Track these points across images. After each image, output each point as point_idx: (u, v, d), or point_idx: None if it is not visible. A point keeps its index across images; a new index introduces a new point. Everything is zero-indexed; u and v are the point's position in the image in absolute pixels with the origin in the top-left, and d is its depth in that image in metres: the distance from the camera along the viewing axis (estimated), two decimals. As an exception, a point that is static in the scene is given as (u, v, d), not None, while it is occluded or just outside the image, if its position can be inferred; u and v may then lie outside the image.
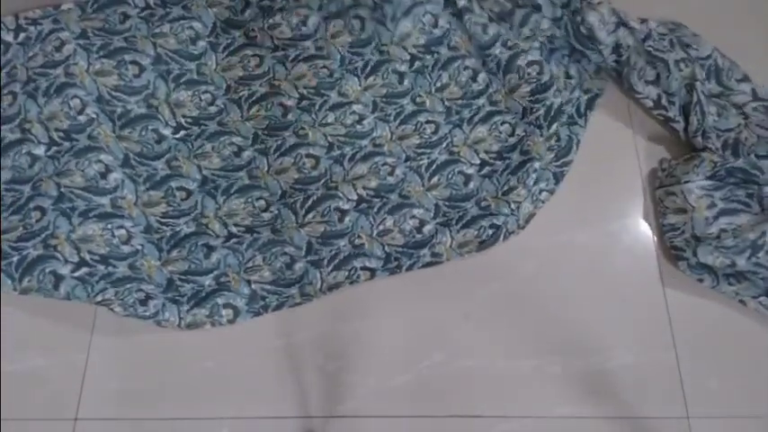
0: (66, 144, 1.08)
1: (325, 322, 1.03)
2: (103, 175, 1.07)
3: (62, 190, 1.05)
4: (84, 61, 1.12)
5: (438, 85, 1.17)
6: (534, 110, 1.14)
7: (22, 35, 1.12)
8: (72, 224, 1.03)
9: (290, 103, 1.14)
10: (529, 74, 1.15)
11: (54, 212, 1.03)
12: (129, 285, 1.01)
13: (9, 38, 1.12)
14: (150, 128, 1.11)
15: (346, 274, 1.04)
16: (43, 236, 1.02)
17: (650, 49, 1.13)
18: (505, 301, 1.04)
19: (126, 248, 1.04)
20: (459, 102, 1.16)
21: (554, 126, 1.12)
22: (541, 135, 1.12)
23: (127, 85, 1.13)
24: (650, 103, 1.14)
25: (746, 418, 0.97)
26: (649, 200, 1.12)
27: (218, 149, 1.12)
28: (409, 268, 1.05)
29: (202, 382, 0.99)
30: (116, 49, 1.14)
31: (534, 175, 1.09)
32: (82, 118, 1.09)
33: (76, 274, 1.01)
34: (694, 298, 1.05)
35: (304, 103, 1.14)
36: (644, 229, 1.10)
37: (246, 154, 1.12)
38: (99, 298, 0.99)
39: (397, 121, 1.14)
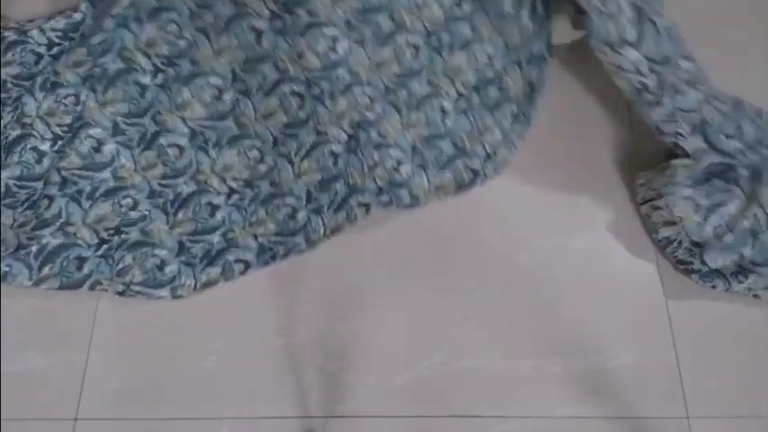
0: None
1: (325, 322, 1.03)
2: (97, 149, 1.07)
3: (63, 174, 1.05)
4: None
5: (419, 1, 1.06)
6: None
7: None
8: (83, 208, 1.05)
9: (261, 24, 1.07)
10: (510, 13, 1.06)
11: (63, 199, 1.04)
12: (144, 249, 1.04)
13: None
14: (131, 79, 1.09)
15: (345, 214, 1.05)
16: (58, 224, 1.03)
17: None
18: (505, 301, 1.04)
19: (134, 214, 1.05)
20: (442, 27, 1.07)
21: (529, 67, 1.09)
22: (520, 73, 1.09)
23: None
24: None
25: (746, 418, 0.97)
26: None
27: (196, 94, 1.09)
28: (389, 204, 1.05)
29: (202, 382, 0.99)
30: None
31: (510, 119, 1.08)
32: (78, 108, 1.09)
33: (99, 253, 1.03)
34: (694, 298, 1.05)
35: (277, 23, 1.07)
36: (643, 229, 1.10)
37: (228, 96, 1.10)
38: (120, 266, 1.02)
39: (374, 45, 1.06)
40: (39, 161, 1.07)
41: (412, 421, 0.96)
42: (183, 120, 1.09)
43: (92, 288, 1.02)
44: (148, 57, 1.09)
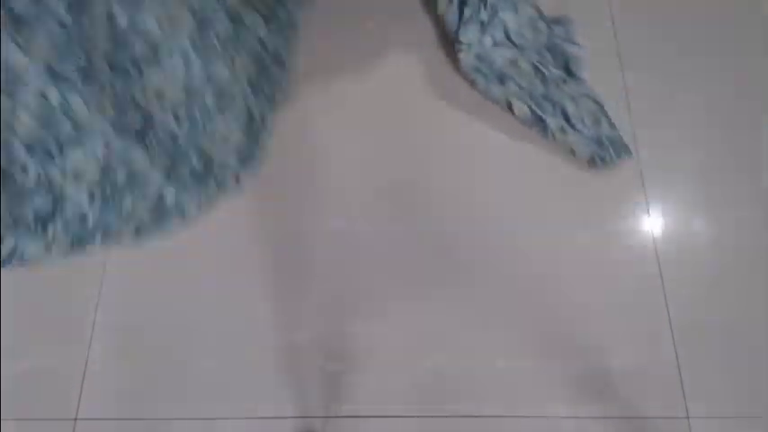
0: None
1: (325, 322, 1.03)
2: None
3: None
4: None
5: None
6: None
7: None
8: (56, 163, 0.94)
9: None
10: None
11: (35, 164, 0.93)
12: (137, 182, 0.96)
13: None
14: None
15: None
16: (43, 190, 0.94)
17: None
18: (505, 300, 1.04)
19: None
20: None
21: None
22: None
23: None
24: None
25: (746, 418, 0.97)
26: (649, 199, 1.12)
27: None
28: None
29: (202, 382, 0.99)
30: None
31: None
32: None
33: (96, 205, 0.96)
34: (695, 298, 1.05)
35: None
36: (644, 229, 1.10)
37: None
38: (127, 209, 0.95)
39: None
40: None
41: (412, 421, 0.96)
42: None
43: (104, 241, 0.95)
44: None
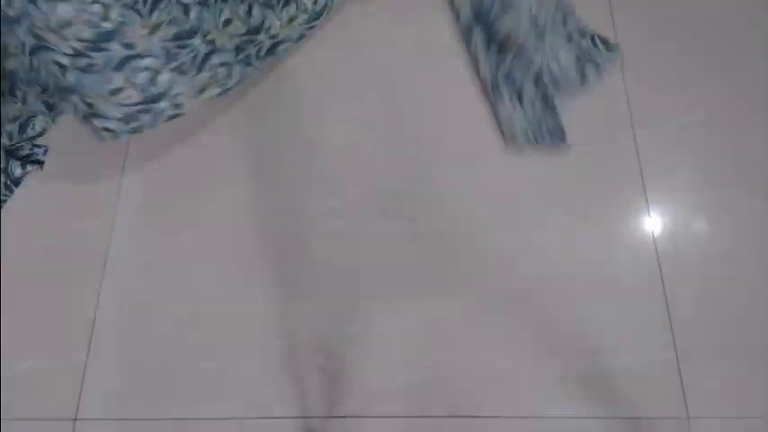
0: None
1: (325, 322, 1.03)
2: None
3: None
4: None
5: None
6: None
7: None
8: (40, 8, 0.93)
9: None
10: None
11: None
12: (132, 63, 0.97)
13: None
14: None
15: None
16: (25, 25, 0.94)
17: None
18: (505, 300, 1.04)
19: (107, 25, 0.96)
20: None
21: None
22: None
23: None
24: None
25: (746, 418, 0.97)
26: (649, 199, 1.12)
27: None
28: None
29: (202, 382, 0.99)
30: None
31: None
32: None
33: (78, 65, 0.96)
34: (695, 297, 1.05)
35: None
36: (644, 229, 1.10)
37: None
38: (111, 86, 0.97)
39: None
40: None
41: (412, 421, 0.96)
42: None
43: (82, 98, 0.98)
44: None
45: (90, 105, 0.97)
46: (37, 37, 0.94)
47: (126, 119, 0.99)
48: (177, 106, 1.01)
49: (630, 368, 1.00)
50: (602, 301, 1.05)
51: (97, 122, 0.98)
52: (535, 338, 1.02)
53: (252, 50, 1.08)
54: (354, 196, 1.11)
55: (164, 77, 0.99)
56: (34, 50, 0.96)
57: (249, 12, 1.06)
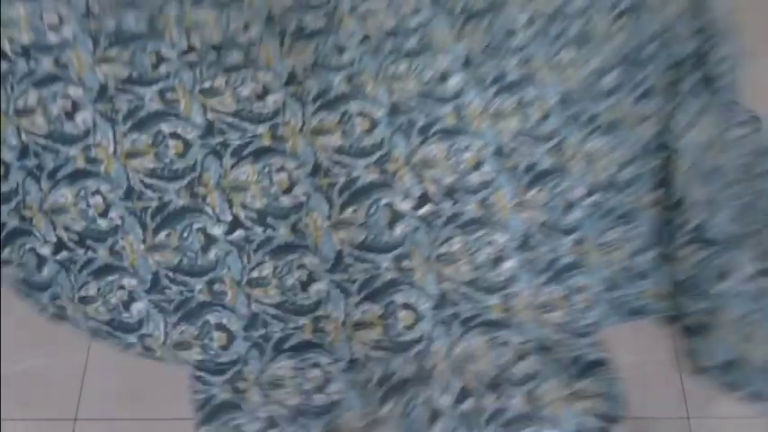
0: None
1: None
2: (69, 115, 0.85)
3: (23, 138, 0.85)
4: None
5: None
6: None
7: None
8: (42, 188, 0.85)
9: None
10: None
11: (20, 171, 0.85)
12: (110, 278, 0.84)
13: None
14: (149, 49, 0.86)
15: (381, 310, 0.77)
16: (14, 203, 0.85)
17: None
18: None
19: (103, 222, 0.84)
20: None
21: None
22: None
23: None
24: None
25: (746, 418, 0.97)
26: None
27: (234, 84, 0.85)
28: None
29: (202, 382, 0.99)
30: None
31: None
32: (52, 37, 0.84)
33: (58, 257, 0.85)
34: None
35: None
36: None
37: (272, 99, 0.85)
38: (83, 293, 0.85)
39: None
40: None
41: (412, 421, 0.96)
42: (204, 108, 0.85)
43: (53, 299, 0.87)
44: (187, 34, 0.87)
45: (60, 308, 0.86)
46: (22, 219, 0.84)
47: (95, 333, 0.86)
48: (148, 349, 0.85)
49: (630, 368, 1.00)
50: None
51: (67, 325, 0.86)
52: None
53: (275, 332, 0.83)
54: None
55: (140, 306, 0.84)
56: (11, 236, 0.84)
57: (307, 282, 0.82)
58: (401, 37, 0.81)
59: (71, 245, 0.84)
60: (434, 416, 0.71)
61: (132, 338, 0.84)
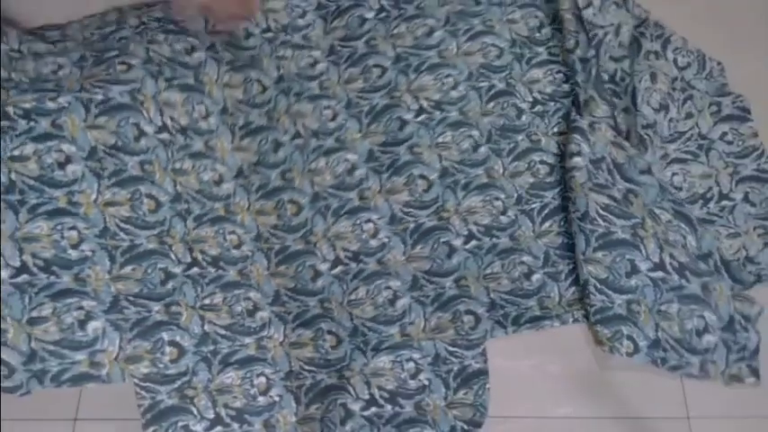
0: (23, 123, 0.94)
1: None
2: (61, 165, 0.94)
3: (12, 177, 0.91)
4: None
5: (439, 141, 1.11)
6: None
7: None
8: (18, 220, 0.90)
9: (284, 138, 1.10)
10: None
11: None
12: (69, 301, 0.89)
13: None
14: (131, 120, 1.00)
15: (311, 334, 1.00)
16: None
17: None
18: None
19: (74, 253, 0.92)
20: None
21: None
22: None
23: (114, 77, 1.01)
24: None
25: (746, 418, 0.97)
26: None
27: (198, 170, 1.04)
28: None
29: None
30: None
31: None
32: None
33: (15, 280, 0.88)
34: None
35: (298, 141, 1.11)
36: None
37: (226, 186, 1.06)
38: (35, 314, 0.88)
39: (390, 173, 1.09)
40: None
41: (412, 421, 0.96)
42: (175, 182, 1.02)
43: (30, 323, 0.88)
44: (162, 112, 1.04)
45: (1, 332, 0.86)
46: None
47: (30, 358, 0.87)
48: (95, 365, 0.88)
49: (630, 368, 1.00)
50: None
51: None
52: (535, 338, 1.02)
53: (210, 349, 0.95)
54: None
55: (96, 324, 0.89)
56: None
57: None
58: (321, 138, 1.09)
59: (35, 270, 0.89)
60: (346, 417, 0.92)
61: (80, 356, 0.89)
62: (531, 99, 1.16)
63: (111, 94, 0.99)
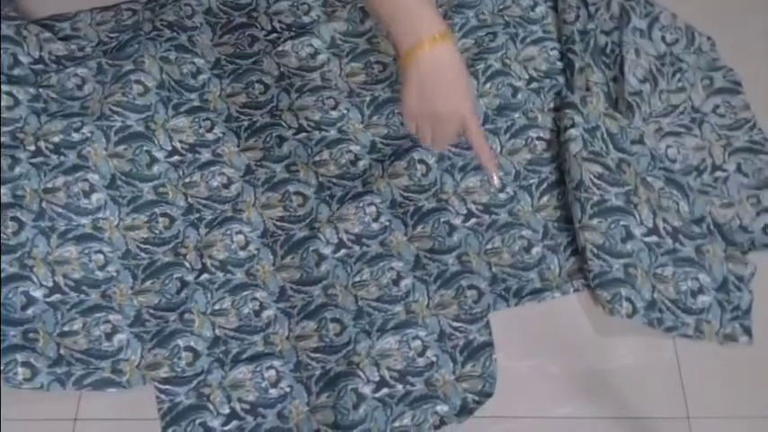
0: (54, 158, 1.05)
1: (325, 322, 1.03)
2: (86, 194, 1.04)
3: (43, 205, 1.02)
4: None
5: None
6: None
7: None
8: (50, 245, 1.00)
9: (288, 134, 1.13)
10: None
11: (33, 230, 1.01)
12: (97, 315, 0.97)
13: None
14: (144, 148, 1.09)
15: (315, 325, 0.99)
16: (19, 253, 0.99)
17: None
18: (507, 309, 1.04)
19: (100, 273, 1.00)
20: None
21: None
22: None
23: (130, 101, 1.10)
24: None
25: (746, 418, 0.97)
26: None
27: (206, 179, 1.09)
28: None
29: (202, 382, 0.99)
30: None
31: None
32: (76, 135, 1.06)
33: (50, 299, 0.98)
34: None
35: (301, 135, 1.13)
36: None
37: (234, 187, 1.09)
38: (66, 328, 0.96)
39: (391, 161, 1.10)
40: (11, 168, 1.02)
41: (412, 421, 0.96)
42: (186, 195, 1.08)
43: (25, 337, 0.95)
44: (170, 139, 1.11)
45: (31, 341, 0.94)
46: (23, 266, 0.98)
47: (57, 362, 0.94)
48: (117, 372, 0.95)
49: (630, 368, 1.00)
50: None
51: (19, 356, 0.92)
52: (535, 338, 1.02)
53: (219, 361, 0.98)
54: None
55: (121, 337, 0.97)
56: (6, 281, 0.96)
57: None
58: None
59: (66, 289, 0.99)
60: (359, 401, 0.93)
61: (104, 364, 0.95)
62: (526, 77, 1.18)
63: (129, 122, 1.09)
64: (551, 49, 1.20)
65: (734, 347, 1.01)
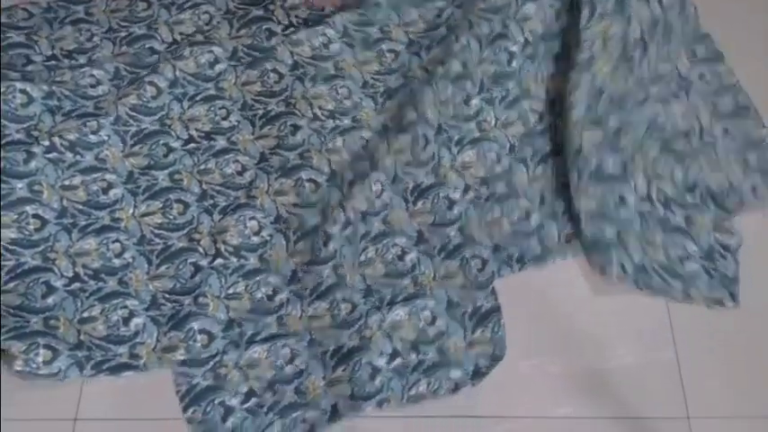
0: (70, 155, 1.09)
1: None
2: (105, 191, 1.08)
3: (64, 203, 1.06)
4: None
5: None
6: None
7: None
8: (71, 239, 1.04)
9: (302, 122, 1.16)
10: None
11: (56, 226, 1.04)
12: (115, 301, 1.00)
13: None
14: (161, 142, 1.13)
15: (327, 305, 1.02)
16: (42, 247, 1.02)
17: None
18: (505, 300, 1.04)
19: (117, 261, 1.03)
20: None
21: None
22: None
23: (144, 104, 1.14)
24: None
25: (746, 418, 0.97)
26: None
27: (221, 166, 1.12)
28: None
29: (202, 382, 0.99)
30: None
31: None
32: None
33: (70, 288, 1.01)
34: (694, 298, 1.05)
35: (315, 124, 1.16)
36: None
37: (248, 174, 1.12)
38: (86, 314, 0.99)
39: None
40: (27, 161, 1.06)
41: (412, 421, 0.96)
42: (200, 182, 1.11)
43: (45, 323, 0.97)
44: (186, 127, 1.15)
45: (52, 328, 0.96)
46: (45, 259, 1.02)
47: (77, 346, 0.96)
48: (134, 356, 0.97)
49: (630, 368, 1.00)
50: (603, 301, 1.05)
51: (41, 340, 0.95)
52: (535, 338, 1.02)
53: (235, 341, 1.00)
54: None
55: (138, 321, 0.99)
56: (25, 273, 1.00)
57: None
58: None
59: (85, 278, 1.01)
60: (374, 373, 0.96)
61: (122, 350, 0.97)
62: (522, 39, 1.19)
63: (144, 125, 1.13)
64: (549, 6, 1.19)
65: (734, 347, 1.01)
